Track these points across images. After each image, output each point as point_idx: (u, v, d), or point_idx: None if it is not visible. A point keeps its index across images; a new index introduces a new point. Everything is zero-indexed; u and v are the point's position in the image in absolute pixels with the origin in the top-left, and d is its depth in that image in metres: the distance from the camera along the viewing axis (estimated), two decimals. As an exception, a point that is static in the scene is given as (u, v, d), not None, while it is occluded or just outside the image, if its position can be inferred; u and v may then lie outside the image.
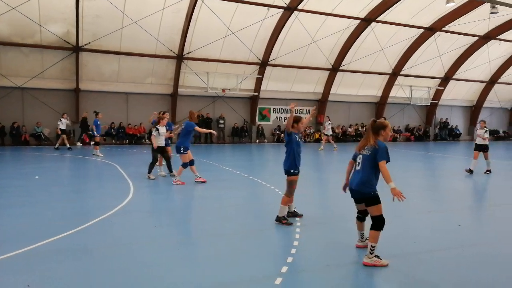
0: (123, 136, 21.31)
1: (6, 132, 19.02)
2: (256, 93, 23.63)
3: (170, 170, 10.58)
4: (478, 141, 12.07)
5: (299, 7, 19.62)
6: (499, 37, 25.10)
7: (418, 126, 29.89)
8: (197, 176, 9.71)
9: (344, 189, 5.10)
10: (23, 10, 16.86)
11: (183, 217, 6.99)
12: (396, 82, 26.79)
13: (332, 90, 25.57)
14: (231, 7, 19.18)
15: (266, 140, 24.68)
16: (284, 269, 4.45)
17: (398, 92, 27.48)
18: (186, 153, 9.50)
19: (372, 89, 27.24)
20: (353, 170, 4.90)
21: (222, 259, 4.84)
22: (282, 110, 25.66)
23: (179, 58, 20.77)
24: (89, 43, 18.98)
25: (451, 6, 19.21)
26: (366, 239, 5.05)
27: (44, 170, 11.88)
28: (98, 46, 19.22)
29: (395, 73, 26.31)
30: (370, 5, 20.72)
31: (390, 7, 20.45)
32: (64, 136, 17.31)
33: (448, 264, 4.79)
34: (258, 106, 24.48)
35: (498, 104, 32.20)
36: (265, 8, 19.28)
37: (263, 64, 22.60)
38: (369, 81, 26.49)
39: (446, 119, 30.86)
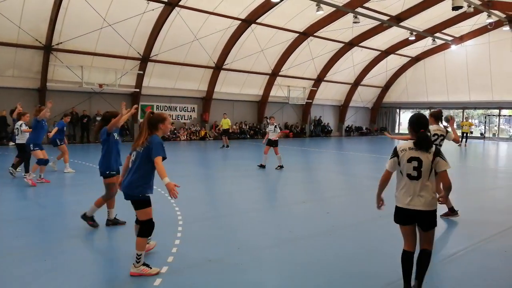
0: (-23, 137, 18.39)
1: None
2: (138, 90, 22.64)
3: (27, 170, 9.58)
4: (270, 136, 12.47)
5: (181, 3, 19.33)
6: (360, 44, 28.38)
7: (295, 124, 32.14)
8: (40, 176, 9.31)
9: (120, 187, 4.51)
10: None
11: (51, 224, 6.32)
12: (276, 82, 28.37)
13: (216, 88, 25.90)
14: (107, -3, 17.99)
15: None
16: (164, 269, 4.35)
17: (277, 92, 29.13)
18: (37, 150, 9.27)
19: (254, 88, 28.38)
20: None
21: (96, 263, 4.52)
22: (166, 108, 25.08)
23: (47, 49, 18.70)
24: None
25: (321, 14, 20.99)
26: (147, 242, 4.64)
27: None
28: None
29: (274, 74, 27.81)
30: (249, 7, 21.48)
31: (268, 10, 21.50)
32: None
33: (321, 246, 5.25)
34: (140, 103, 23.47)
35: (362, 104, 36.47)
36: (145, 1, 18.53)
37: (144, 59, 21.75)
38: (251, 81, 27.52)
39: (320, 117, 33.81)
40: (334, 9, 21.46)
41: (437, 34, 27.68)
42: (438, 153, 3.65)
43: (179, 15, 20.08)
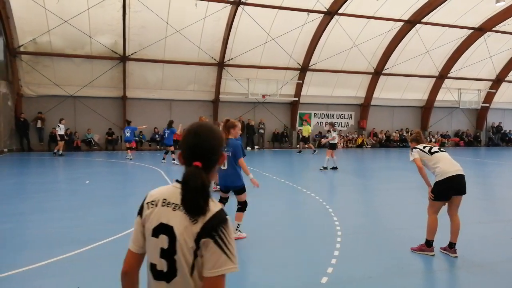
0: (166, 142, 21.87)
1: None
2: (297, 99, 23.54)
3: None
4: (332, 141, 13.86)
5: (340, 11, 19.38)
6: (557, 35, 23.49)
7: (467, 131, 28.49)
8: None
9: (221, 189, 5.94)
10: (75, 23, 17.86)
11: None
12: (443, 85, 25.73)
13: (375, 94, 24.98)
14: (271, 14, 19.29)
15: (306, 146, 24.44)
16: (324, 279, 4.38)
17: (445, 96, 26.37)
18: None
19: (417, 92, 26.33)
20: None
21: (259, 267, 4.83)
22: (323, 115, 25.40)
23: (220, 65, 21.13)
24: (135, 52, 19.77)
25: (502, 5, 18.22)
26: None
27: (94, 175, 12.44)
28: (144, 55, 19.97)
29: (442, 76, 25.28)
30: (414, 6, 20.10)
31: (435, 8, 19.74)
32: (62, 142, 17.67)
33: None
34: (299, 112, 24.37)
35: (558, 106, 30.02)
36: (305, 13, 19.21)
37: (303, 69, 22.50)
38: (413, 85, 25.64)
39: (499, 123, 29.19)
40: (520, -3, 18.33)
41: None
42: (215, 227, 1.50)
43: (338, 23, 20.14)
